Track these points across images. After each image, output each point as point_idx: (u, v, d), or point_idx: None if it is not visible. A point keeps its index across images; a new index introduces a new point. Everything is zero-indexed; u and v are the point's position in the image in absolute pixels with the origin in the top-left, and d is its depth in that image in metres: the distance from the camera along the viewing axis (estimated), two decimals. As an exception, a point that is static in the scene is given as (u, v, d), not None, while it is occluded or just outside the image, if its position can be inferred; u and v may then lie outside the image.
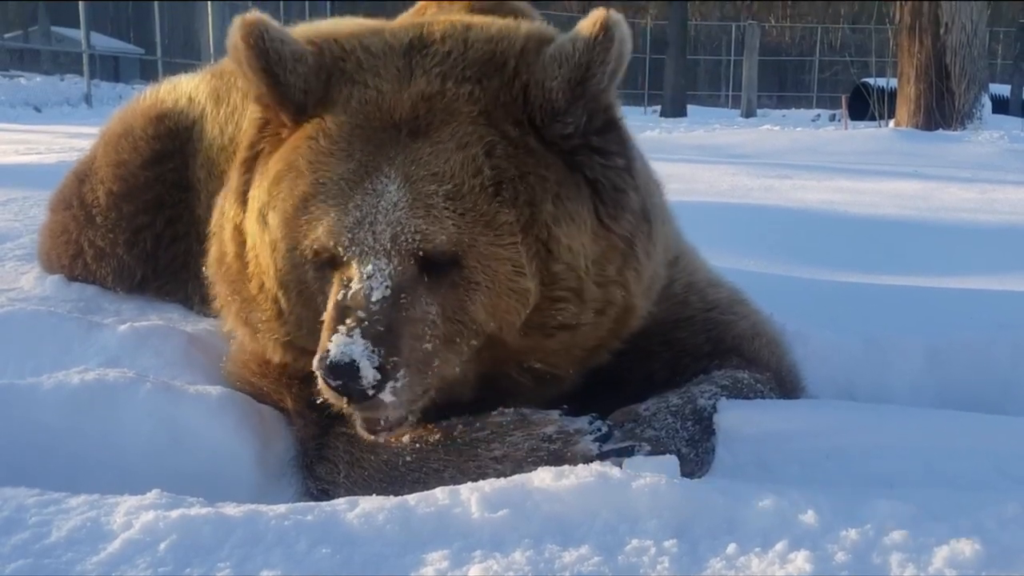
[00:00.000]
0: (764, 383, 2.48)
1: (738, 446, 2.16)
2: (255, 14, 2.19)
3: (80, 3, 24.03)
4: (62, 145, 10.22)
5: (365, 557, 1.64)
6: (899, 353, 2.97)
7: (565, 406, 2.19)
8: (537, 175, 2.11)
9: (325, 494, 2.16)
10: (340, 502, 1.82)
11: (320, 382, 2.00)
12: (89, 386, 2.34)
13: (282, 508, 1.78)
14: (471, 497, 1.77)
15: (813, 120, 23.30)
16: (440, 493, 1.81)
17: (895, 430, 2.18)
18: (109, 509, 1.74)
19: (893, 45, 17.96)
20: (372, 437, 2.15)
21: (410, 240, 2.03)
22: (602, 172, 2.19)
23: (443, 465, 2.11)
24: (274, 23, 2.20)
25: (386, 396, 1.97)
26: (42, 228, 4.08)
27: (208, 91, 3.68)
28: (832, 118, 23.98)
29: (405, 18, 2.80)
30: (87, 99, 22.57)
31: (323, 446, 2.26)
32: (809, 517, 1.69)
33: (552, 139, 2.14)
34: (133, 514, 1.71)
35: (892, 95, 15.96)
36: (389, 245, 2.03)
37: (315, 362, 1.96)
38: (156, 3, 27.97)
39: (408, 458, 2.14)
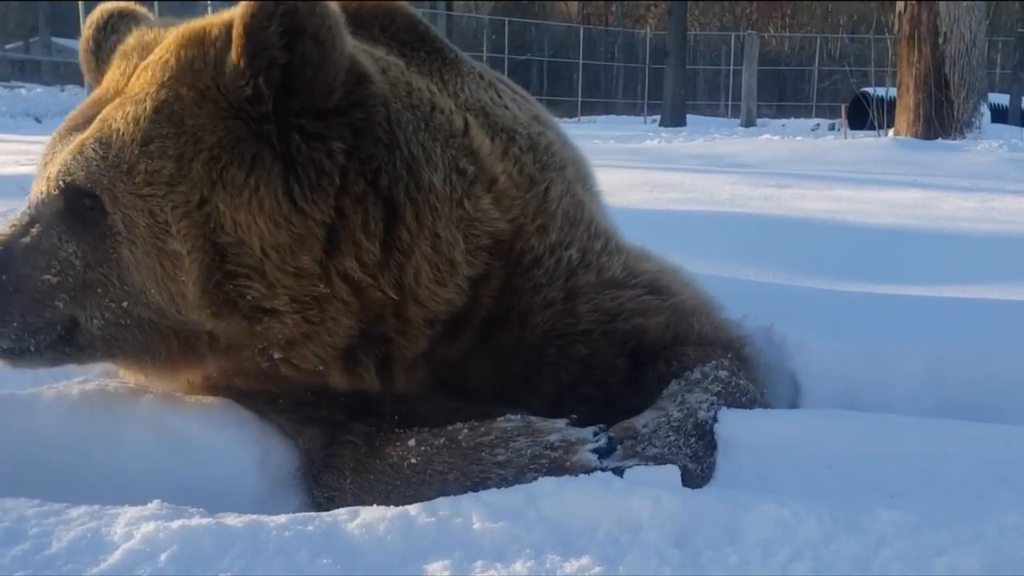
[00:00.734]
0: (743, 376, 2.46)
1: (739, 455, 2.15)
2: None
3: (81, 13, 24.09)
4: (63, 155, 10.19)
5: (366, 567, 1.64)
6: (899, 362, 2.96)
7: (574, 415, 2.19)
8: (192, 135, 2.17)
9: (331, 502, 2.16)
10: (341, 512, 1.82)
11: None
12: (90, 397, 2.35)
13: (283, 518, 1.78)
14: (472, 507, 1.77)
15: (812, 129, 23.26)
16: (441, 503, 1.81)
17: (896, 439, 2.18)
18: (110, 520, 1.74)
19: (892, 55, 18.02)
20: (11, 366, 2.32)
21: (56, 173, 2.24)
22: (306, 153, 2.18)
23: (447, 468, 2.11)
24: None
25: None
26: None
27: None
28: (832, 127, 23.99)
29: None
30: (87, 109, 22.59)
31: (331, 455, 2.26)
32: (810, 526, 1.69)
33: (238, 104, 2.18)
34: (134, 525, 1.71)
35: (891, 104, 16.01)
36: (45, 180, 2.27)
37: None
38: (155, 11, 28.01)
39: (413, 460, 2.15)
